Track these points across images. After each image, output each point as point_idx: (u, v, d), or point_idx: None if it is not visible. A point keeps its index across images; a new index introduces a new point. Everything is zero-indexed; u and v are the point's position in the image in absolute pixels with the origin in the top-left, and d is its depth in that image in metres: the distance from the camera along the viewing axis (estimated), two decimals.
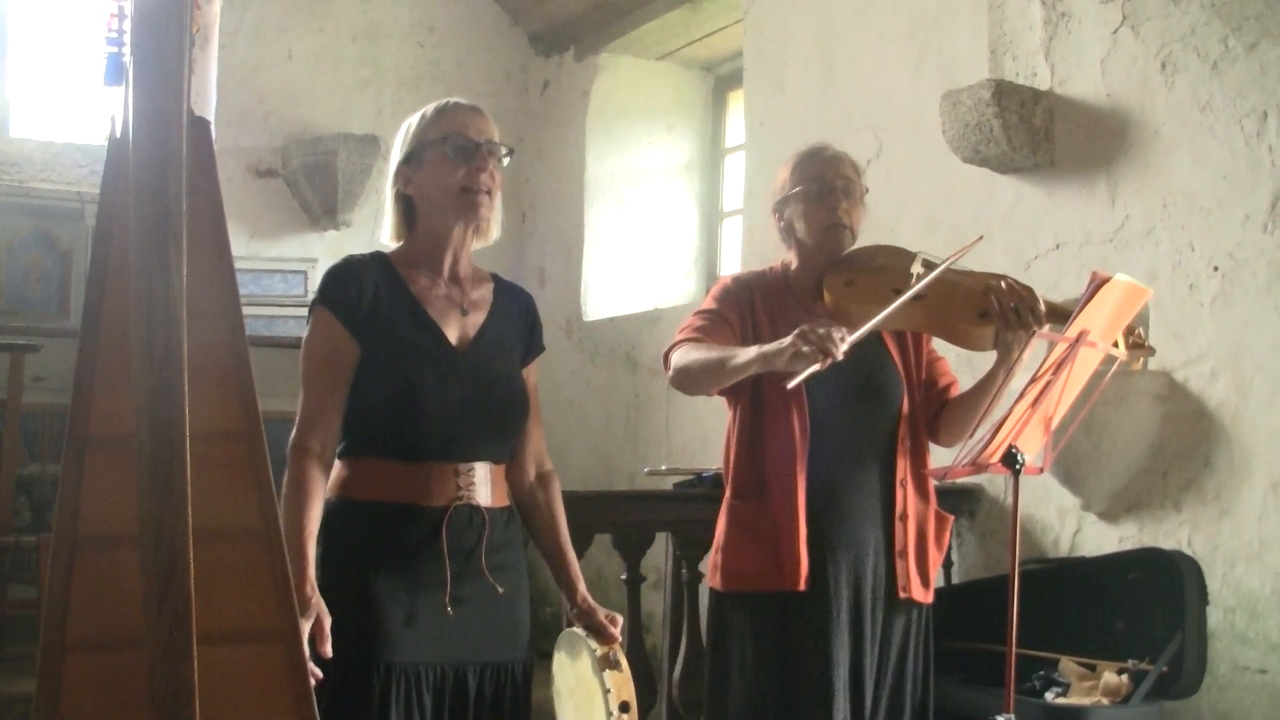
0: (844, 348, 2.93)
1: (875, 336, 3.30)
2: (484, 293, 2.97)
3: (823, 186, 3.41)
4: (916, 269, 3.23)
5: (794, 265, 3.48)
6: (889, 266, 3.35)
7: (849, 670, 3.26)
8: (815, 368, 2.92)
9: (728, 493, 3.38)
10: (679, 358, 3.26)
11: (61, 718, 1.85)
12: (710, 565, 3.40)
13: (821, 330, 2.93)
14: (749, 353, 3.12)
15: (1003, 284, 3.22)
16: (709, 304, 3.43)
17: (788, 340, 2.99)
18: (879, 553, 3.32)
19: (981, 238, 3.46)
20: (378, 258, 2.90)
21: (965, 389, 3.50)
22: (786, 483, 3.26)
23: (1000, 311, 3.19)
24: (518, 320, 3.00)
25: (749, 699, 3.28)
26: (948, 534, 3.53)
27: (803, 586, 3.23)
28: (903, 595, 3.33)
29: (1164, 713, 4.35)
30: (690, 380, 3.25)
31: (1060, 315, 3.27)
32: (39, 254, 7.56)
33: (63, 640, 1.87)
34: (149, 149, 1.71)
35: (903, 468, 3.38)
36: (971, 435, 3.46)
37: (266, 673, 1.96)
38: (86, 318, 2.03)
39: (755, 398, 3.34)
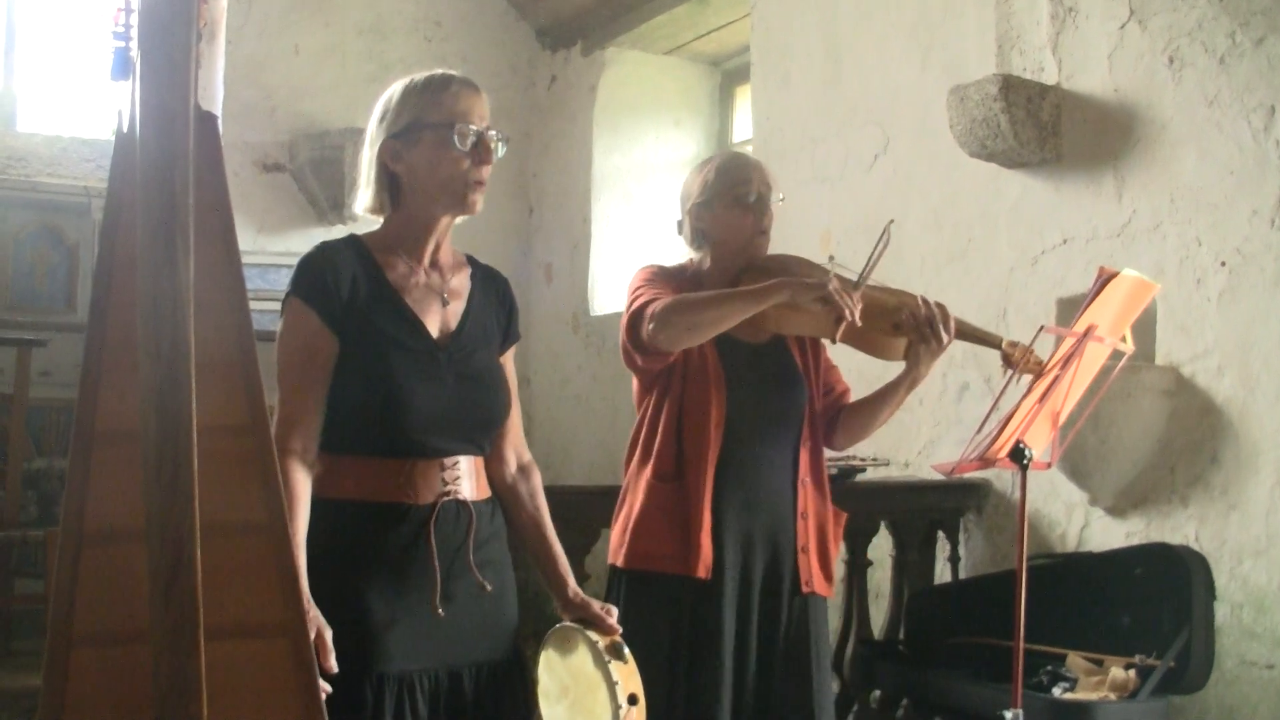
0: (859, 310, 3.19)
1: (781, 342, 3.52)
2: (462, 279, 2.88)
3: (755, 195, 3.47)
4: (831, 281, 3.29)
5: (706, 265, 3.55)
6: (804, 274, 3.40)
7: (755, 662, 3.37)
8: (844, 325, 3.18)
9: (647, 472, 3.41)
10: (670, 303, 3.25)
11: (68, 711, 1.85)
12: (614, 544, 3.44)
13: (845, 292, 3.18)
14: (771, 281, 3.25)
15: (919, 299, 3.36)
16: (648, 278, 3.47)
17: (816, 280, 3.19)
18: (785, 548, 3.43)
19: (892, 221, 3.48)
20: (353, 242, 2.81)
21: (859, 397, 3.64)
22: (698, 472, 3.34)
23: (914, 324, 3.33)
24: (496, 307, 2.92)
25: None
26: (842, 529, 3.65)
27: (704, 575, 3.31)
28: (806, 590, 3.45)
29: (1171, 708, 4.34)
30: (692, 319, 3.24)
31: (971, 336, 3.40)
32: (46, 249, 7.57)
33: (69, 634, 1.87)
34: (156, 144, 1.71)
35: (804, 467, 3.50)
36: (864, 439, 3.70)
37: (273, 668, 1.96)
38: (93, 312, 2.03)
39: (684, 384, 3.41)
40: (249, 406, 2.02)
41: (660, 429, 3.42)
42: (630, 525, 3.41)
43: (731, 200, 3.46)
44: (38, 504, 7.03)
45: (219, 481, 1.89)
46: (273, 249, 8.16)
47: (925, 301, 3.34)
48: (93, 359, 1.98)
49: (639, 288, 3.40)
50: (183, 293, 1.68)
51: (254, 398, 2.02)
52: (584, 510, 4.38)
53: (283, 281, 8.42)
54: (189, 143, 1.73)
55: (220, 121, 2.21)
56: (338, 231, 8.26)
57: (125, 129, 2.09)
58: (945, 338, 3.33)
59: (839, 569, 5.40)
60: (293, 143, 8.36)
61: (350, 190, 8.19)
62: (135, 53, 1.89)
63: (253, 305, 2.12)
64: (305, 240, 8.33)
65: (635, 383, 3.55)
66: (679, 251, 3.62)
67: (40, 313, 7.38)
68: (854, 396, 3.66)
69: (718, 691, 3.28)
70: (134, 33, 1.95)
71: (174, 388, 1.66)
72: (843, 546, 5.23)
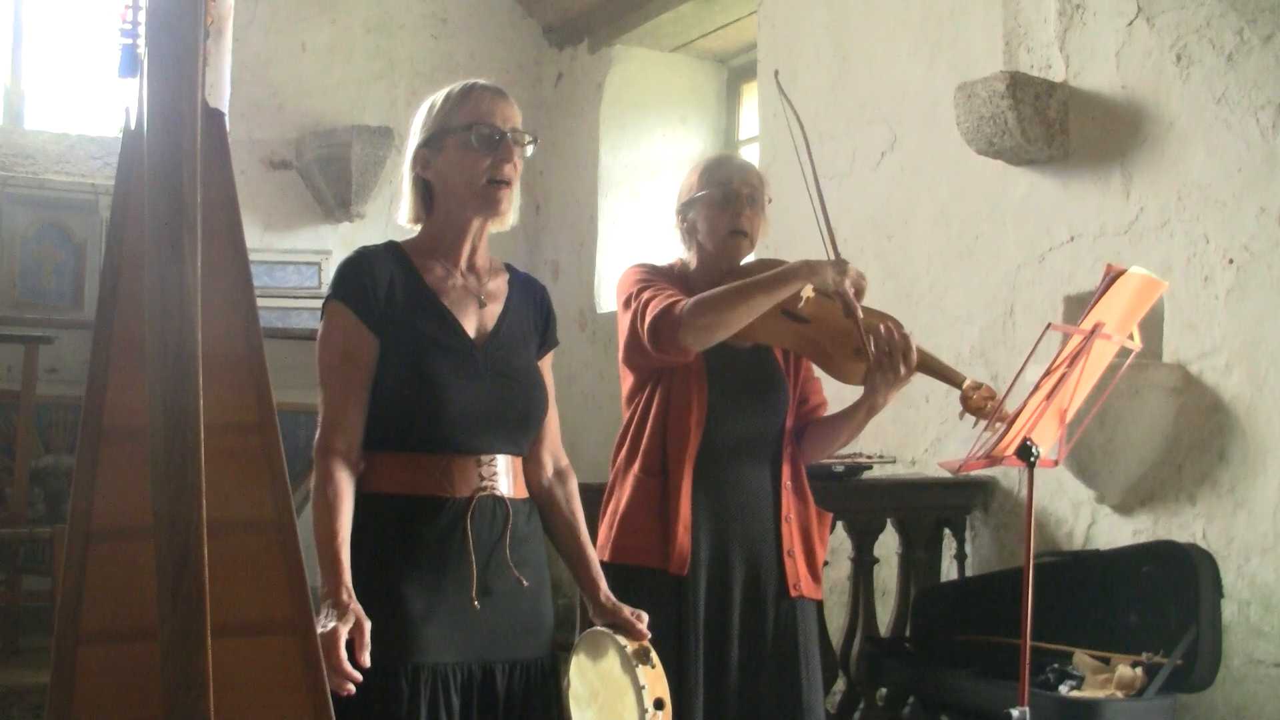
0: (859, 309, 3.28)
1: (766, 346, 3.52)
2: (499, 284, 2.91)
3: (728, 193, 3.48)
4: (807, 293, 3.32)
5: (693, 266, 3.57)
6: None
7: (739, 663, 3.37)
8: (856, 319, 3.25)
9: (635, 467, 3.44)
10: (696, 303, 3.25)
11: (75, 709, 1.85)
12: (600, 539, 3.42)
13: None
14: (789, 265, 3.31)
15: (883, 327, 3.34)
16: (645, 276, 3.48)
17: (834, 262, 3.29)
18: (767, 551, 3.45)
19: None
20: (391, 248, 2.83)
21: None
22: (679, 467, 3.36)
23: (874, 352, 3.32)
24: (533, 313, 2.95)
25: None
26: (828, 530, 3.65)
27: (679, 570, 3.34)
28: (795, 593, 3.45)
29: (1178, 706, 4.34)
30: (720, 317, 3.24)
31: (934, 371, 3.38)
32: (53, 246, 7.57)
33: (77, 631, 1.87)
34: (163, 141, 1.71)
35: (786, 472, 3.51)
36: (823, 457, 3.81)
37: (280, 664, 1.96)
38: (100, 310, 2.03)
39: (670, 381, 3.43)
40: (257, 404, 2.02)
41: (649, 425, 3.44)
42: (616, 520, 3.43)
43: (708, 200, 3.49)
44: (45, 501, 7.03)
45: (226, 479, 1.89)
46: (280, 246, 8.17)
47: (891, 330, 3.32)
48: (100, 356, 1.99)
49: (643, 289, 3.39)
50: (190, 290, 1.68)
51: (261, 395, 2.03)
52: (590, 508, 4.36)
53: (290, 279, 8.43)
54: (196, 140, 1.73)
55: (227, 119, 2.22)
56: (344, 229, 8.29)
57: (132, 126, 2.10)
58: (902, 370, 3.31)
59: (845, 567, 5.41)
60: (300, 140, 8.37)
61: (357, 187, 8.25)
62: (142, 50, 1.89)
63: (260, 303, 2.13)
64: (313, 237, 8.35)
65: (627, 381, 3.57)
66: (679, 249, 3.63)
67: (47, 310, 7.38)
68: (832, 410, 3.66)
69: (694, 690, 3.29)
70: (141, 30, 1.96)
71: (181, 385, 1.66)
72: (849, 544, 5.24)
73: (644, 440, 3.44)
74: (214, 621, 1.66)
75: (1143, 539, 4.83)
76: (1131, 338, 3.46)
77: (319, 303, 2.81)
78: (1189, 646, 4.29)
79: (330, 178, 8.27)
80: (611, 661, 2.77)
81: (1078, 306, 4.88)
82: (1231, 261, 4.64)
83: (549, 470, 2.97)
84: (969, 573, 5.42)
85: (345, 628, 2.42)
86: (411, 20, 8.85)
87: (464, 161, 2.77)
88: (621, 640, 2.77)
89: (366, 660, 2.42)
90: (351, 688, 2.38)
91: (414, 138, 2.85)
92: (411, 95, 8.54)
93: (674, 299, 3.29)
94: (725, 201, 3.47)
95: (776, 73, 3.57)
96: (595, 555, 3.00)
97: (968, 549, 5.46)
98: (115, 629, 1.88)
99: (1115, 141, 5.06)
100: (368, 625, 2.46)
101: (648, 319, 3.31)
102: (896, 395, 3.42)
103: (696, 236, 3.53)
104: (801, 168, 3.42)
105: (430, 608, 2.65)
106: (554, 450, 2.99)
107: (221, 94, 2.31)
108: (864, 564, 5.28)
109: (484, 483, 2.73)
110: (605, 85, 8.50)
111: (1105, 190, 5.09)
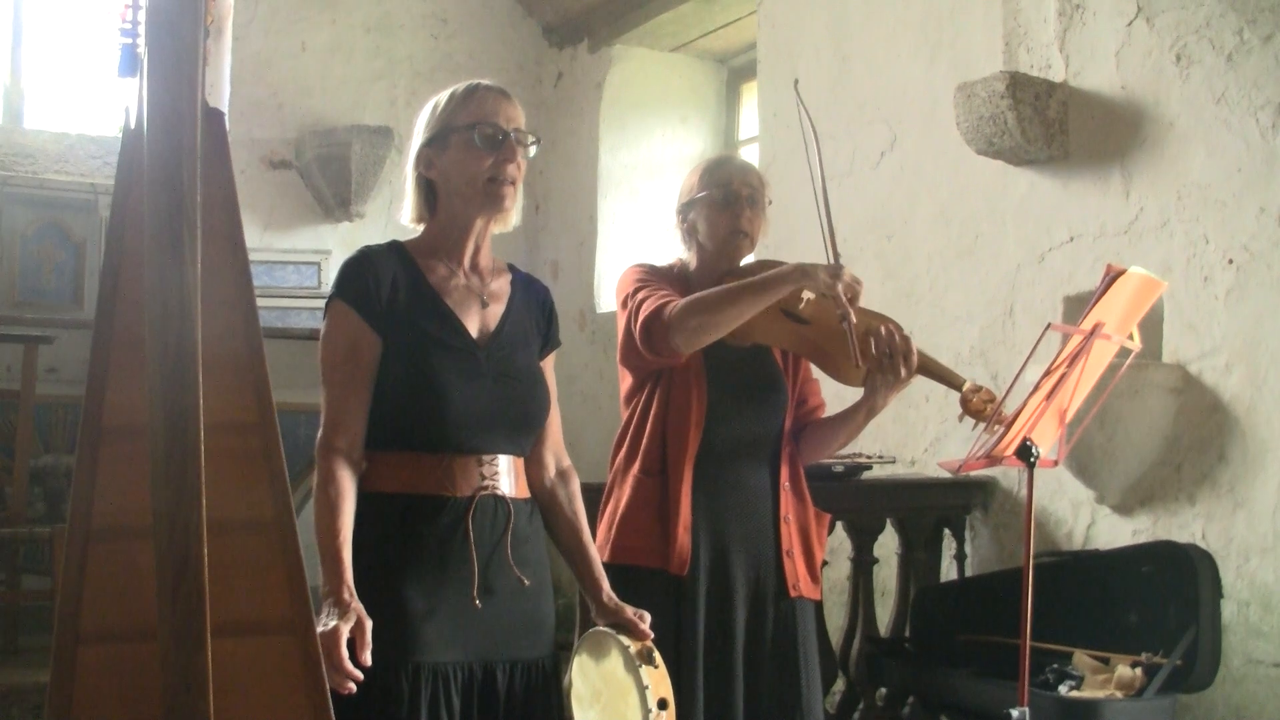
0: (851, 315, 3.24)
1: (765, 348, 3.53)
2: (502, 284, 2.92)
3: (728, 194, 3.49)
4: (807, 294, 3.34)
5: (693, 266, 3.58)
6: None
7: (740, 663, 3.37)
8: (849, 325, 3.21)
9: (635, 468, 3.44)
10: (685, 305, 3.26)
11: (75, 708, 1.85)
12: (599, 540, 3.41)
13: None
14: (782, 268, 3.29)
15: (884, 329, 3.34)
16: (643, 277, 3.49)
17: (827, 266, 3.26)
18: (766, 551, 3.45)
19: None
20: (394, 247, 2.84)
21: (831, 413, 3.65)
22: (678, 468, 3.36)
23: (875, 355, 3.32)
24: (535, 313, 2.96)
25: None
26: (826, 530, 3.67)
27: (679, 571, 3.34)
28: (794, 594, 3.46)
29: (1178, 706, 4.34)
30: (709, 319, 3.24)
31: (934, 373, 3.40)
32: (52, 246, 7.57)
33: (76, 631, 1.87)
34: (163, 141, 1.71)
35: (785, 473, 3.52)
36: (821, 458, 3.82)
37: (280, 664, 1.96)
38: (100, 309, 2.03)
39: (670, 381, 3.44)
40: (256, 404, 2.02)
41: (648, 425, 3.44)
42: (615, 520, 3.43)
43: (708, 200, 3.49)
44: (44, 500, 7.02)
45: (226, 478, 1.89)
46: (279, 246, 8.17)
47: (891, 332, 3.33)
48: (100, 356, 1.99)
49: (639, 289, 3.40)
50: (189, 290, 1.68)
51: (261, 395, 2.03)
52: (589, 507, 4.37)
53: (290, 278, 8.43)
54: (196, 140, 1.73)
55: (227, 119, 2.22)
56: (344, 229, 8.28)
57: (132, 126, 2.10)
58: (903, 372, 3.32)
59: (845, 567, 5.41)
60: (299, 140, 8.38)
61: (357, 187, 8.25)
62: (142, 49, 1.89)
63: (260, 303, 2.13)
64: (313, 237, 8.35)
65: (626, 381, 3.58)
66: (679, 250, 3.64)
67: (47, 309, 7.37)
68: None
69: (694, 690, 3.29)
70: (141, 29, 1.96)
71: (181, 385, 1.66)
72: (849, 544, 5.24)
73: (643, 440, 3.44)
74: (214, 621, 1.66)
75: (1142, 539, 4.83)
76: (1131, 338, 3.46)
77: (319, 303, 2.82)
78: (1188, 646, 4.29)
79: (330, 177, 8.27)
80: (614, 662, 2.77)
81: (1078, 306, 4.88)
82: (1231, 261, 4.64)
83: (551, 470, 2.97)
84: (969, 573, 5.43)
85: (346, 626, 2.43)
86: (411, 20, 8.85)
87: (467, 161, 2.77)
88: (624, 640, 2.77)
89: (367, 659, 2.43)
90: (352, 686, 2.38)
91: (417, 137, 2.86)
92: (411, 95, 8.55)
93: (666, 300, 3.30)
94: (725, 202, 3.47)
95: (796, 82, 3.56)
96: (597, 555, 3.00)
97: (967, 549, 5.46)
98: (115, 629, 1.88)
99: (1115, 141, 5.06)
100: (369, 624, 2.46)
101: (640, 319, 3.32)
102: (896, 396, 3.43)
103: (697, 237, 3.53)
104: (812, 178, 3.42)
105: (431, 607, 2.65)
106: (556, 450, 2.99)
107: (221, 94, 2.31)
108: (864, 564, 5.28)
109: (485, 482, 2.73)
110: (605, 85, 8.50)
111: (1105, 190, 5.09)
